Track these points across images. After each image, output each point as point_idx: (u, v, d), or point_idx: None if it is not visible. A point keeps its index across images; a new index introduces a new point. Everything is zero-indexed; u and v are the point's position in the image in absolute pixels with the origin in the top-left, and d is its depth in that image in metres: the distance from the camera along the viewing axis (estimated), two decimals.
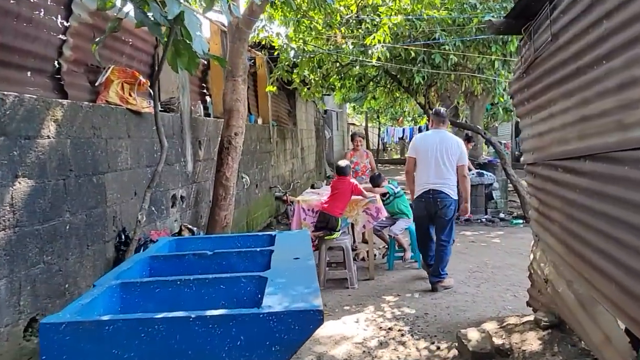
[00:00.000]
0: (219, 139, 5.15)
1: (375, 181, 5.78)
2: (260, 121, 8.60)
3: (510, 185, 10.11)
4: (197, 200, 5.26)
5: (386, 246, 5.96)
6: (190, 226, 4.52)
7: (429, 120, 5.57)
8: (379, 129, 28.02)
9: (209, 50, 3.94)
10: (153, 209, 4.26)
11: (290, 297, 1.98)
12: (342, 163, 5.35)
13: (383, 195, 5.75)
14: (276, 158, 9.42)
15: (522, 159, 3.92)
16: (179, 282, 2.27)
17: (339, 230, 5.17)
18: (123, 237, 3.64)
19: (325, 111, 18.88)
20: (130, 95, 3.94)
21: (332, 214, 5.09)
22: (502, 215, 8.98)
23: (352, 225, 5.67)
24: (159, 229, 4.26)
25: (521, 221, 8.44)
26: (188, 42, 2.97)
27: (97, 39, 3.17)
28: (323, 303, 4.61)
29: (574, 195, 2.73)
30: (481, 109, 10.94)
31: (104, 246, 3.49)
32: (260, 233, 3.49)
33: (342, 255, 5.23)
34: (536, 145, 3.50)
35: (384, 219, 5.49)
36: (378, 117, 26.48)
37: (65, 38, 3.45)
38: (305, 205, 5.39)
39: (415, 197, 4.92)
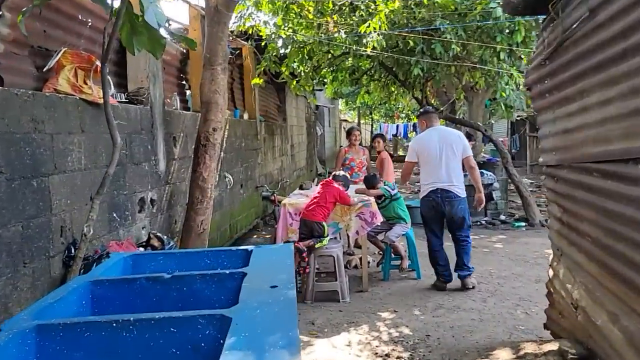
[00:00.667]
0: (197, 135, 4.59)
1: (370, 182, 5.24)
2: (246, 116, 8.03)
3: (511, 185, 9.65)
4: (170, 204, 4.69)
5: (381, 253, 5.44)
6: (159, 235, 3.96)
7: (419, 121, 5.09)
8: (372, 125, 27.50)
9: (168, 24, 3.36)
10: (115, 215, 3.69)
11: (258, 353, 1.44)
12: (339, 173, 5.03)
13: (378, 197, 5.22)
14: (264, 156, 8.86)
15: (540, 159, 3.41)
16: (115, 324, 1.72)
17: (327, 236, 4.64)
18: (74, 250, 3.08)
19: (317, 107, 18.30)
20: (85, 83, 3.37)
21: (313, 220, 4.55)
22: (502, 217, 8.50)
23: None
24: (121, 239, 3.70)
25: (523, 224, 7.96)
26: (142, 15, 2.40)
27: (24, 9, 2.59)
28: (310, 321, 4.08)
29: (619, 206, 2.20)
30: (480, 104, 10.43)
31: (47, 262, 2.92)
32: (234, 248, 2.92)
33: (332, 263, 4.70)
34: (560, 144, 2.98)
35: (379, 224, 4.95)
36: (371, 113, 25.97)
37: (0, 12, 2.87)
38: (292, 209, 4.84)
39: (422, 196, 4.74)
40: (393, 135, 21.97)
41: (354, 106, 27.04)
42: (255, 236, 7.78)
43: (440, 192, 4.64)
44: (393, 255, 5.29)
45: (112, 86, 3.84)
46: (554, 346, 3.03)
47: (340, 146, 7.01)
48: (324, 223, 4.61)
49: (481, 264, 5.66)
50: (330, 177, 4.99)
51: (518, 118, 15.56)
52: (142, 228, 4.15)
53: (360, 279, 4.91)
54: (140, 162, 4.15)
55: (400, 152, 27.10)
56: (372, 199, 4.97)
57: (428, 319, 4.07)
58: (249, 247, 2.76)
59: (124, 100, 4.11)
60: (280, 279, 2.16)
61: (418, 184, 6.84)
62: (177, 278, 2.29)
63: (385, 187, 5.21)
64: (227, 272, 2.35)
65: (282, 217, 4.84)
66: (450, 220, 4.72)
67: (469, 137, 9.60)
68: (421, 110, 5.16)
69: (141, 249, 3.81)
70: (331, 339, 3.73)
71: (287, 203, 4.89)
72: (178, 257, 2.78)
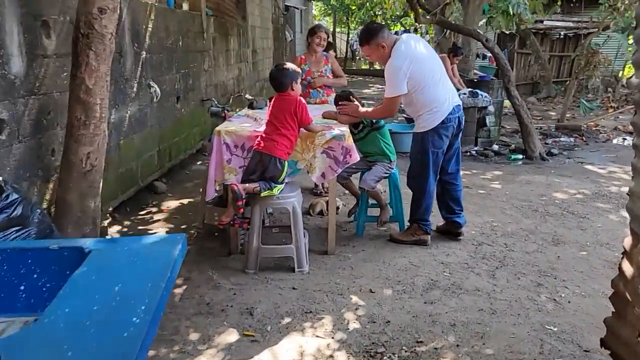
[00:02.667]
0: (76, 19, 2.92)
1: (342, 104, 3.76)
2: (186, 6, 6.19)
3: (507, 110, 8.32)
4: (39, 126, 3.12)
5: (355, 200, 4.10)
6: (3, 180, 2.44)
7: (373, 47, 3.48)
8: (348, 34, 25.16)
9: None
10: None
11: None
12: (280, 67, 3.30)
13: (355, 126, 3.78)
14: (213, 60, 7.12)
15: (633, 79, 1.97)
16: None
17: (282, 183, 3.23)
18: None
19: (287, 8, 16.05)
20: None
21: (271, 154, 3.13)
22: (495, 147, 7.22)
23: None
24: None
25: (520, 156, 6.72)
26: None
27: None
28: (248, 308, 2.69)
29: None
30: (477, 10, 8.75)
31: None
32: (60, 245, 1.46)
33: (288, 218, 3.33)
34: None
35: (354, 163, 3.54)
36: (347, 20, 23.61)
37: None
38: (230, 139, 3.36)
39: (436, 125, 3.46)
40: None
41: (329, 11, 24.53)
42: (199, 162, 6.31)
43: (457, 110, 3.52)
44: (370, 203, 3.97)
45: None
46: None
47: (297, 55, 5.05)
48: (285, 161, 3.18)
49: (479, 213, 4.43)
50: (271, 84, 3.36)
51: (506, 32, 13.92)
52: None
53: (326, 233, 3.59)
54: None
55: (377, 66, 25.24)
56: (346, 129, 3.52)
57: (418, 307, 2.83)
58: (86, 245, 1.34)
59: None
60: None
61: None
62: None
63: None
64: None
65: (216, 151, 3.36)
66: (452, 151, 3.66)
67: (457, 51, 8.01)
68: (368, 26, 3.60)
69: None
70: (274, 348, 2.45)
71: (223, 131, 3.38)
72: None
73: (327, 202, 3.99)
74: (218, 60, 7.39)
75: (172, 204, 4.72)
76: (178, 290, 3.01)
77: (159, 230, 4.02)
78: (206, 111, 6.50)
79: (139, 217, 4.34)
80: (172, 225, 4.13)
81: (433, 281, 3.13)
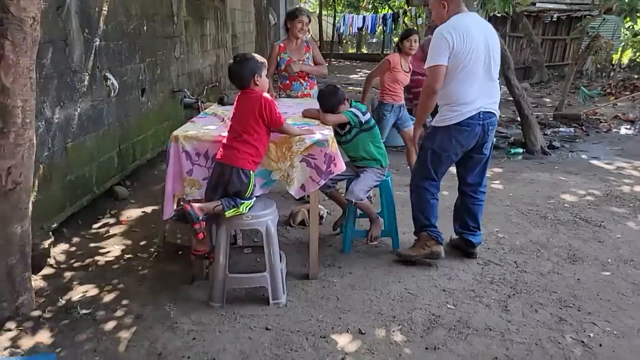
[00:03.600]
0: None
1: (328, 100, 3.19)
2: None
3: (501, 98, 7.79)
4: None
5: (341, 211, 3.56)
6: None
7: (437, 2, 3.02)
8: (334, 17, 24.36)
9: None
10: None
11: None
12: (238, 58, 2.68)
13: (340, 126, 3.22)
14: (186, 46, 6.48)
15: None
16: None
17: (251, 199, 2.68)
18: None
19: None
20: None
21: (235, 165, 2.57)
22: (493, 139, 6.69)
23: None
24: None
25: (520, 150, 6.23)
26: None
27: None
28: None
29: None
30: None
31: None
32: None
33: (261, 238, 2.78)
34: None
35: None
36: (334, 2, 22.81)
37: None
38: (191, 146, 2.78)
39: (453, 123, 2.97)
40: (359, 28, 19.17)
41: None
42: None
43: (482, 117, 2.98)
44: (359, 214, 3.43)
45: None
46: None
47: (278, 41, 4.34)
48: (250, 172, 2.62)
49: (482, 221, 3.91)
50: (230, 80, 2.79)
51: (498, 15, 13.37)
52: None
53: (307, 250, 3.04)
54: None
55: (364, 50, 24.52)
56: (330, 132, 2.95)
57: (418, 355, 2.31)
58: None
59: None
60: None
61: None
62: None
63: (352, 109, 3.18)
64: None
65: (174, 161, 2.78)
66: (475, 156, 3.14)
67: None
68: None
69: None
70: None
71: (182, 136, 2.79)
72: None
73: (307, 212, 3.44)
74: (192, 47, 6.74)
75: (134, 212, 4.14)
76: (125, 335, 2.46)
77: (113, 249, 3.44)
78: (179, 103, 5.89)
79: (93, 231, 3.75)
80: (129, 242, 3.55)
81: (435, 316, 2.61)
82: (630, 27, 11.54)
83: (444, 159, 3.08)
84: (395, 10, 18.83)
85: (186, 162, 2.78)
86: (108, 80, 4.16)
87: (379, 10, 22.22)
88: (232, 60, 2.69)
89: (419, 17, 16.57)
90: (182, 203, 2.66)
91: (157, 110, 5.44)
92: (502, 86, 6.89)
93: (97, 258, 3.30)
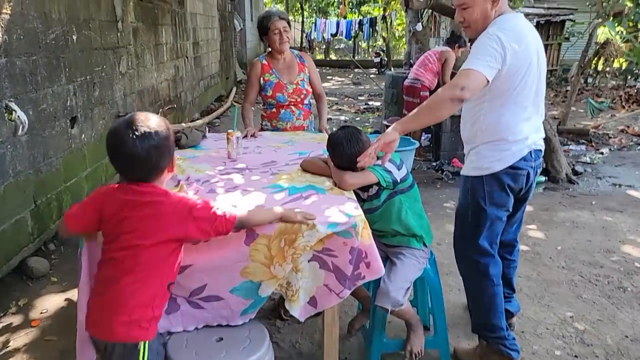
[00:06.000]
0: None
1: (347, 152, 2.04)
2: None
3: None
4: None
5: (363, 306, 2.42)
6: None
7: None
8: (303, 23, 23.28)
9: None
10: None
11: None
12: (140, 130, 1.37)
13: (364, 188, 2.09)
14: (136, 59, 5.23)
15: None
16: None
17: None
18: None
19: None
20: None
21: (109, 340, 1.43)
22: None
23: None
24: None
25: (543, 179, 5.25)
26: None
27: None
28: None
29: None
30: None
31: None
32: None
33: None
34: None
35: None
36: (302, 6, 21.78)
37: None
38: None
39: (503, 168, 2.04)
40: (332, 35, 18.10)
41: None
42: None
43: (535, 157, 2.11)
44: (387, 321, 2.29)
45: None
46: None
47: (256, 58, 3.03)
48: (144, 344, 1.42)
49: (542, 299, 2.87)
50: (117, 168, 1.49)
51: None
52: None
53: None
54: None
55: (332, 56, 23.56)
56: (357, 207, 1.81)
57: None
58: None
59: None
60: None
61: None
62: None
63: (382, 165, 2.05)
64: None
65: (84, 271, 1.59)
66: (515, 213, 2.26)
67: (457, 40, 6.52)
68: None
69: None
70: None
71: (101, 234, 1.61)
72: None
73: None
74: (143, 59, 5.49)
75: (53, 301, 2.89)
76: None
77: None
78: None
79: None
80: None
81: None
82: (619, 32, 10.98)
83: (502, 216, 2.12)
84: (374, 16, 17.87)
85: None
86: (12, 113, 2.90)
87: (347, 16, 21.31)
88: (127, 129, 1.39)
89: (399, 23, 15.70)
90: None
91: (96, 144, 4.17)
92: None
93: None
